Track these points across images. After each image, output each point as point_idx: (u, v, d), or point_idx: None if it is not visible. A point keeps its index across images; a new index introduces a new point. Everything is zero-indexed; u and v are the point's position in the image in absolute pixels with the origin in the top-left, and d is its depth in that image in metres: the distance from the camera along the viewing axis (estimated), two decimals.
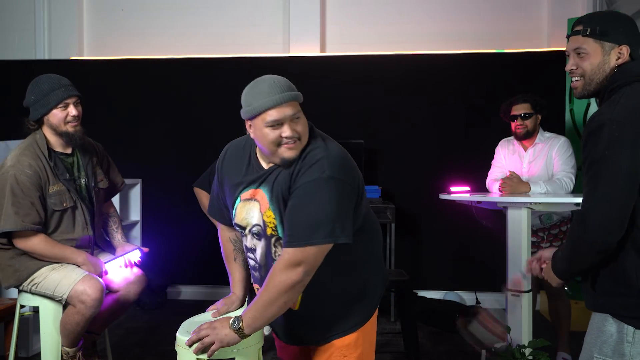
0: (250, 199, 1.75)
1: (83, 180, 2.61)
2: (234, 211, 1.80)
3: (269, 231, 1.72)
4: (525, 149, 3.40)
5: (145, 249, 2.74)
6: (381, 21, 4.89)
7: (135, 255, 2.67)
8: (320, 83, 4.71)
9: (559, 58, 4.35)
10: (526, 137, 3.35)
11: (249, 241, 1.80)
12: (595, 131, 1.45)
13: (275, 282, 1.58)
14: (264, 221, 1.72)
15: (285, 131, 1.61)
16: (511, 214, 3.00)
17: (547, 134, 3.38)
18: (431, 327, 3.99)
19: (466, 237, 4.48)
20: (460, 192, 3.34)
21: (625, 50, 1.54)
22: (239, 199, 1.78)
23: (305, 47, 4.82)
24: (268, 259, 1.75)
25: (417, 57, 4.70)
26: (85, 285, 2.37)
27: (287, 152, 1.63)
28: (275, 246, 1.73)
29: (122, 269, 2.64)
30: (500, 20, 4.80)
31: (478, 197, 3.17)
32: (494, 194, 3.34)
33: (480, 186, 3.76)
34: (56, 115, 2.46)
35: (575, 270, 1.60)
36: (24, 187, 2.37)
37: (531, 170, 3.36)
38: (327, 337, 1.79)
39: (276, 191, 1.68)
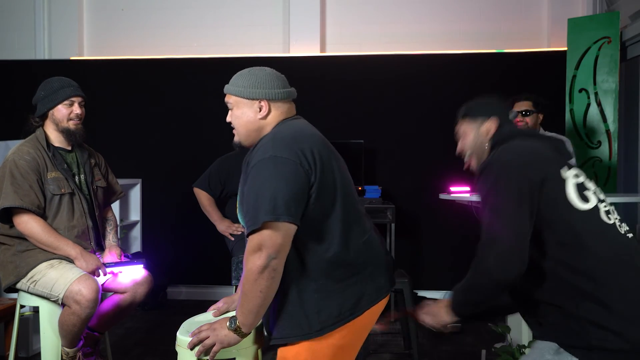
0: None
1: (82, 176, 2.69)
2: None
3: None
4: None
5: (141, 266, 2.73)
6: (381, 21, 4.89)
7: (137, 271, 2.67)
8: (320, 83, 4.72)
9: (559, 58, 4.37)
10: None
11: None
12: (482, 171, 1.61)
13: (245, 272, 1.57)
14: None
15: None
16: None
17: (548, 134, 3.39)
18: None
19: (466, 237, 4.46)
20: (460, 192, 3.34)
21: (493, 122, 1.75)
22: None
23: (305, 47, 4.82)
24: None
25: (417, 57, 4.70)
26: (80, 286, 2.36)
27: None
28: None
29: (130, 269, 2.66)
30: (500, 20, 4.80)
31: (478, 197, 3.17)
32: None
33: None
34: (61, 110, 2.58)
35: (477, 303, 1.63)
36: (23, 171, 2.47)
37: None
38: (271, 336, 1.71)
39: (242, 177, 1.73)
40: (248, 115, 1.72)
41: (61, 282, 2.40)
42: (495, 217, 1.51)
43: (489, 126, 1.75)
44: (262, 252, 1.53)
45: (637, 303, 1.42)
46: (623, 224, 1.57)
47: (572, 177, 1.55)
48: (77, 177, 2.66)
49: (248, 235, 1.56)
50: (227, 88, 1.77)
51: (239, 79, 1.74)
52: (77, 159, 2.70)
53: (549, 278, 1.50)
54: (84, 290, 2.35)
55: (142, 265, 2.69)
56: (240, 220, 1.68)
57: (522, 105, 3.34)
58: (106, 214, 2.88)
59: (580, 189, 1.54)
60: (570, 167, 1.59)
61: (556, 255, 1.49)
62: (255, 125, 1.73)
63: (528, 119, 3.32)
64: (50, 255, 2.50)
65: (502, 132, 1.73)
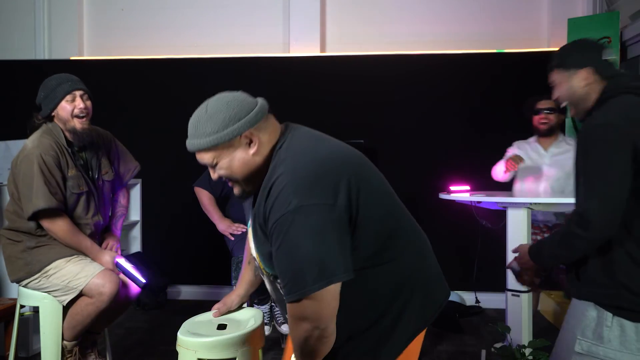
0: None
1: (89, 172, 2.64)
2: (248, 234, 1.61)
3: (262, 267, 1.50)
4: (545, 149, 3.40)
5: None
6: (381, 21, 4.89)
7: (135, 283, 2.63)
8: (320, 83, 4.72)
9: None
10: (549, 133, 3.35)
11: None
12: (590, 137, 1.58)
13: (292, 337, 1.37)
14: (256, 258, 1.51)
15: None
16: (511, 214, 3.00)
17: (569, 139, 3.36)
18: (431, 327, 3.99)
19: (466, 237, 4.48)
20: (460, 192, 3.34)
21: (587, 72, 1.71)
22: (249, 223, 1.57)
23: (305, 47, 4.82)
24: (277, 294, 1.50)
25: (417, 57, 4.70)
26: (105, 280, 2.42)
27: None
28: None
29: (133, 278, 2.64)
30: (500, 21, 4.80)
31: (478, 197, 3.18)
32: (499, 175, 3.38)
33: (480, 185, 3.77)
34: (64, 108, 2.47)
35: (564, 263, 1.74)
36: (51, 167, 2.41)
37: (551, 171, 3.35)
38: None
39: (255, 224, 1.45)
40: (239, 158, 1.40)
41: (82, 275, 2.43)
42: (599, 187, 1.54)
43: (584, 77, 1.72)
44: (307, 324, 1.30)
45: None
46: None
47: None
48: (89, 173, 2.62)
49: (287, 302, 1.33)
50: (196, 144, 1.39)
51: (202, 126, 1.38)
52: (85, 157, 2.63)
53: (610, 238, 1.57)
54: (109, 284, 2.42)
55: (143, 283, 2.61)
56: (267, 270, 1.46)
57: (547, 103, 3.34)
58: (117, 196, 2.81)
59: None
60: None
61: (625, 221, 1.56)
62: (252, 164, 1.41)
63: (552, 117, 3.33)
64: (64, 253, 2.49)
65: (617, 82, 1.67)
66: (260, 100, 1.44)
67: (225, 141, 1.37)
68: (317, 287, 1.25)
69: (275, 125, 1.46)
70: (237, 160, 1.40)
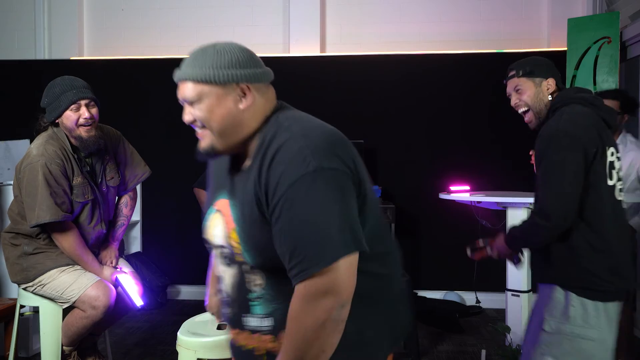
0: (218, 211, 1.37)
1: (94, 178, 2.57)
2: (205, 222, 1.41)
3: (237, 257, 1.30)
4: None
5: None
6: (381, 21, 4.89)
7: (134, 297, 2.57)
8: (320, 83, 4.72)
9: (559, 59, 4.36)
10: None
11: (218, 265, 1.40)
12: (547, 140, 1.79)
13: (298, 328, 1.15)
14: (230, 244, 1.31)
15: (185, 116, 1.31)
16: (511, 214, 3.00)
17: (630, 138, 3.09)
18: (431, 327, 3.99)
19: (466, 237, 4.47)
20: (460, 192, 3.34)
21: (552, 81, 1.94)
22: (213, 208, 1.40)
23: (305, 47, 4.82)
24: (241, 291, 1.32)
25: (417, 58, 4.70)
26: (99, 292, 2.38)
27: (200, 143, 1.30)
28: (252, 272, 1.29)
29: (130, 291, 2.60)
30: (501, 21, 4.80)
31: (478, 197, 3.18)
32: None
33: (480, 185, 3.77)
34: (69, 117, 2.37)
35: (532, 247, 1.95)
36: (57, 176, 2.33)
37: None
38: None
39: (241, 201, 1.28)
40: (225, 106, 1.24)
41: (75, 287, 2.40)
42: (557, 185, 1.75)
43: (548, 84, 1.93)
44: (329, 300, 1.13)
45: (626, 264, 1.83)
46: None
47: (609, 155, 1.82)
48: (94, 179, 2.56)
49: (302, 279, 1.14)
50: (188, 72, 1.25)
51: (203, 58, 1.25)
52: (91, 161, 2.56)
53: (572, 229, 1.78)
54: (102, 297, 2.37)
55: (138, 306, 2.57)
56: (247, 257, 1.27)
57: (610, 103, 2.93)
58: (120, 203, 2.74)
59: (610, 166, 1.82)
60: (610, 145, 1.84)
61: (583, 214, 1.77)
62: (236, 120, 1.26)
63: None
64: (59, 262, 2.46)
65: (566, 93, 1.91)
66: (269, 68, 1.34)
67: (220, 81, 1.23)
68: (350, 250, 1.14)
69: (273, 97, 1.34)
70: (222, 108, 1.25)
